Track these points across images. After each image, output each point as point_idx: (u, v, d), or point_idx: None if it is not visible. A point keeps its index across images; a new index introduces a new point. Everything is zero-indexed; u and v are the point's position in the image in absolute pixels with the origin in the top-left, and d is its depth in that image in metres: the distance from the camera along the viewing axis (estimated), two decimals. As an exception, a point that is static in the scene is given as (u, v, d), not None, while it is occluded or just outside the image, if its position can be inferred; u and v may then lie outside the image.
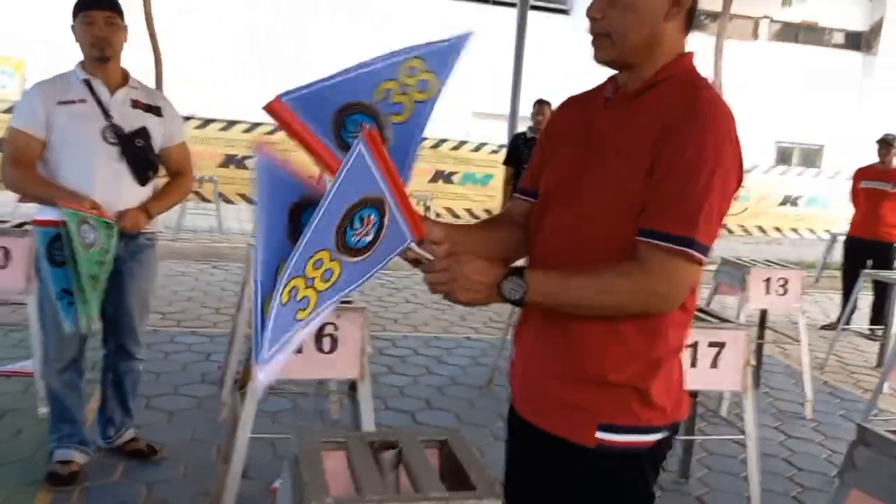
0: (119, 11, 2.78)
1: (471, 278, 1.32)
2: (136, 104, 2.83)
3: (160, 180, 2.96)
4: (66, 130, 2.69)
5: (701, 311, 3.10)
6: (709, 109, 1.35)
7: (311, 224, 1.22)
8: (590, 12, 1.41)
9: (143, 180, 2.81)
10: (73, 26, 2.78)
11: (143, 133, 2.80)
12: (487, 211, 11.05)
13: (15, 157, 2.67)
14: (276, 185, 1.32)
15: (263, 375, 1.25)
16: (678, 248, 1.31)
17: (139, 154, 2.78)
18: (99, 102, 2.75)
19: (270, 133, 10.50)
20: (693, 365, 2.83)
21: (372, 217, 1.26)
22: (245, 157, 10.39)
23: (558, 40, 18.01)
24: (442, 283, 1.34)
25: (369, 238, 1.27)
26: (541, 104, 6.62)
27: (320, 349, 2.50)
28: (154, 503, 2.77)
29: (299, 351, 2.46)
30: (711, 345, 2.85)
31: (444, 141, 11.26)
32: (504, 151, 7.47)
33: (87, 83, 2.76)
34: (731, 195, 1.37)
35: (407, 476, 1.42)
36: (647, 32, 1.38)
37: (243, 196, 10.36)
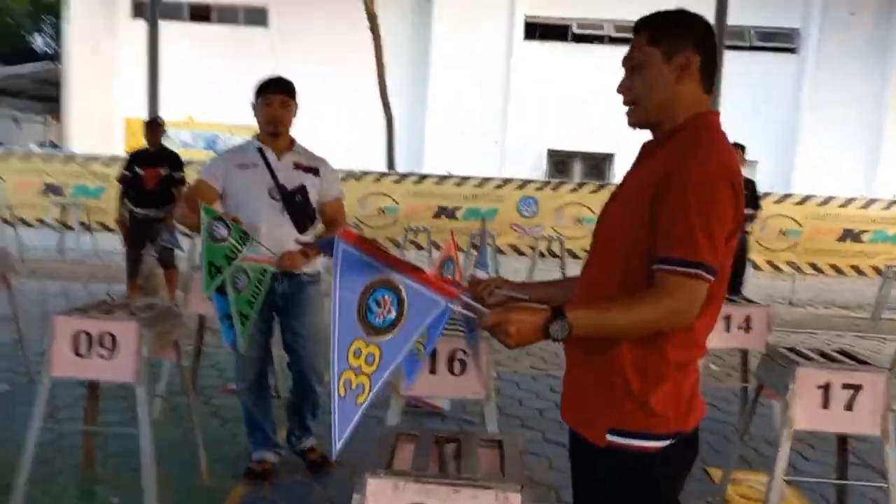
0: (292, 94, 3.34)
1: (518, 325, 1.52)
2: (297, 166, 3.36)
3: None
4: (241, 188, 3.27)
5: (840, 352, 3.03)
6: (705, 150, 1.59)
7: (333, 323, 1.43)
8: (619, 88, 1.72)
9: (301, 229, 3.30)
10: (253, 104, 3.35)
11: (301, 190, 3.31)
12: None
13: (189, 197, 3.26)
14: (351, 268, 1.47)
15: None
16: (692, 270, 1.54)
17: (298, 207, 3.29)
18: (268, 166, 3.31)
19: (479, 186, 11.23)
20: (825, 406, 2.80)
21: (387, 297, 1.48)
22: (455, 208, 11.17)
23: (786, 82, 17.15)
24: (495, 331, 1.53)
25: (392, 315, 1.48)
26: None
27: (451, 371, 2.87)
28: (324, 500, 3.28)
29: (433, 371, 2.86)
30: (846, 387, 2.80)
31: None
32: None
33: (260, 151, 3.34)
34: (729, 222, 1.58)
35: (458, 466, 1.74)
36: (663, 95, 1.67)
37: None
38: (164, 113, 18.44)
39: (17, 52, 26.73)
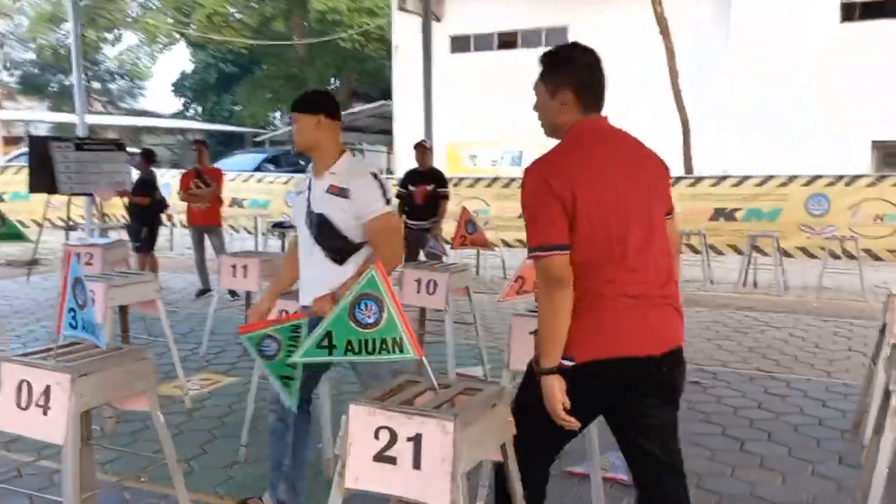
0: (302, 109, 3.01)
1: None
2: (331, 189, 2.98)
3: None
4: (293, 218, 3.17)
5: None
6: (529, 168, 2.20)
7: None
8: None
9: (338, 261, 2.99)
10: None
11: (324, 217, 2.98)
12: None
13: None
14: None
15: None
16: (533, 255, 2.15)
17: (326, 237, 2.98)
18: (309, 191, 3.06)
19: (760, 185, 10.63)
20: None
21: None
22: (734, 210, 10.70)
23: None
24: None
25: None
26: None
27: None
28: None
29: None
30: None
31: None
32: None
33: (309, 178, 3.11)
34: (553, 205, 2.10)
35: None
36: (550, 122, 2.29)
37: (733, 247, 10.66)
38: (476, 135, 20.16)
39: (380, 91, 31.00)
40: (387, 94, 25.40)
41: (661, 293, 2.20)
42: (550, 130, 2.30)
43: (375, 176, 3.03)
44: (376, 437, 2.03)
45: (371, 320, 2.16)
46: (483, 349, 5.36)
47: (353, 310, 2.16)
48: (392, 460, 2.00)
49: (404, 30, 22.00)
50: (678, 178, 11.41)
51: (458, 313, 5.57)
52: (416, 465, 1.96)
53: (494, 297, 8.69)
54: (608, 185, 2.15)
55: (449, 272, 4.99)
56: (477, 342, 5.39)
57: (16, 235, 6.19)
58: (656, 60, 15.98)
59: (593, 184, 2.13)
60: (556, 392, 2.12)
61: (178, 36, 35.79)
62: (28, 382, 2.47)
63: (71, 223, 10.36)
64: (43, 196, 10.21)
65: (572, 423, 2.15)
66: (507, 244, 11.44)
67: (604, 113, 2.30)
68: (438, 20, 22.01)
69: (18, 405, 2.48)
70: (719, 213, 10.76)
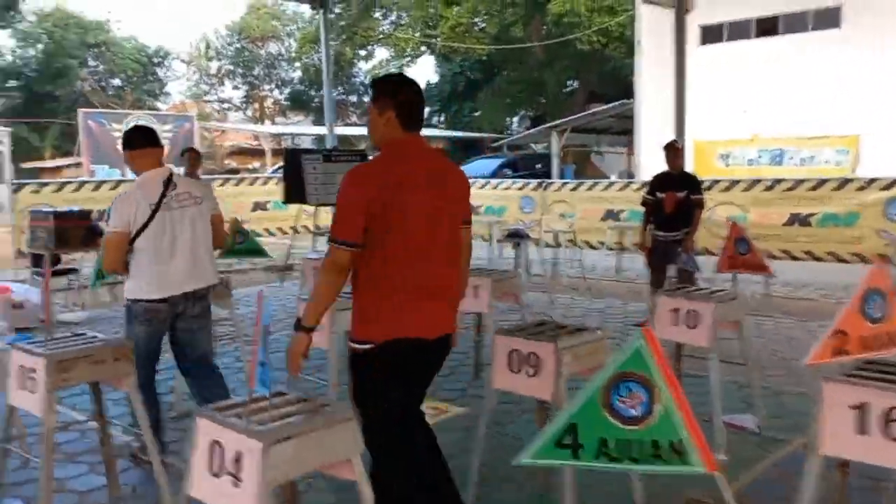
0: (122, 149, 3.92)
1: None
2: None
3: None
4: None
5: None
6: (348, 172, 2.68)
7: None
8: None
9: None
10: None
11: None
12: None
13: None
14: None
15: None
16: (330, 244, 2.61)
17: None
18: None
19: None
20: None
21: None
22: None
23: None
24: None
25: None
26: None
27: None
28: None
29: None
30: None
31: None
32: None
33: None
34: (356, 209, 2.59)
35: None
36: (377, 136, 2.76)
37: None
38: (728, 133, 18.46)
39: (619, 92, 29.11)
40: (625, 94, 24.11)
41: (443, 286, 2.74)
42: (377, 143, 2.76)
43: (118, 198, 3.63)
44: None
45: (637, 413, 1.49)
46: (757, 394, 4.40)
47: (608, 395, 1.51)
48: None
49: (649, 24, 20.65)
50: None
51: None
52: None
53: (757, 320, 7.46)
54: (413, 193, 2.62)
55: (714, 301, 4.12)
56: (748, 381, 4.44)
57: (256, 251, 6.35)
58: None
59: (400, 189, 2.59)
60: (303, 345, 2.61)
61: (423, 49, 37.27)
62: (220, 444, 2.12)
63: (318, 230, 10.76)
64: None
65: (300, 369, 2.65)
66: (773, 257, 9.82)
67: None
68: (688, 10, 20.46)
69: (211, 470, 2.14)
70: None
